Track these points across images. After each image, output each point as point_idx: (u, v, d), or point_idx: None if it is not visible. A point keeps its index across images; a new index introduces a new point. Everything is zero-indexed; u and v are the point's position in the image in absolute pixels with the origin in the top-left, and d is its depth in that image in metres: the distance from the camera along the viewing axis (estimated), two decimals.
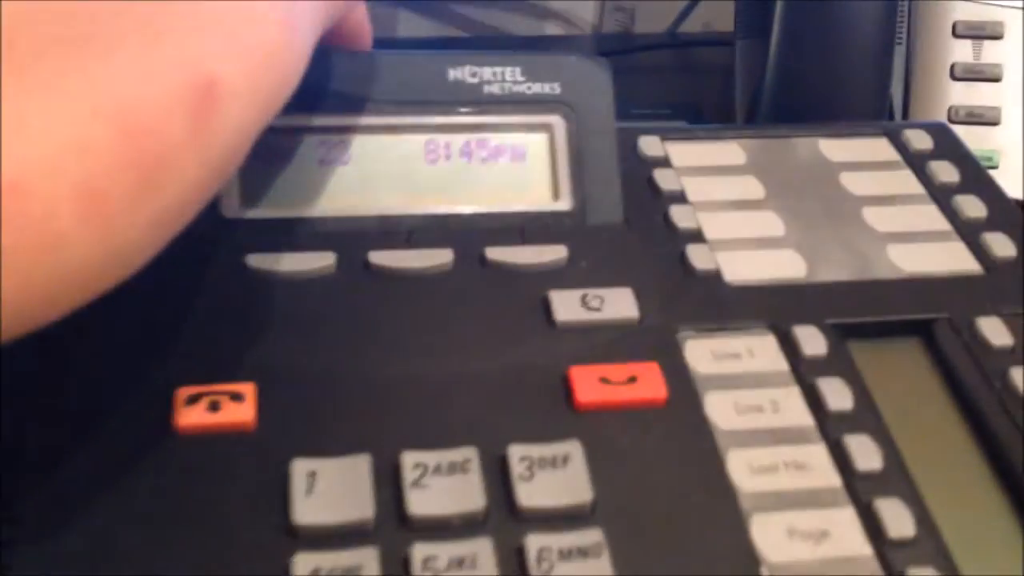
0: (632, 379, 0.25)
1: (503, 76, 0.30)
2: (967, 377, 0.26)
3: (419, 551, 0.21)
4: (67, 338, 0.24)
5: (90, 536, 0.21)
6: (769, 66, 0.44)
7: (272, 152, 0.29)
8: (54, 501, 0.21)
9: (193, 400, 0.23)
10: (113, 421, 0.23)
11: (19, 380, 0.23)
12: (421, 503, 0.22)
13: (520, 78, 0.30)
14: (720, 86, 0.59)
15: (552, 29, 0.74)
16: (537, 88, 0.30)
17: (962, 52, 0.49)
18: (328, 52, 0.29)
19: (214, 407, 0.23)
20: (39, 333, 0.22)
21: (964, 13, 0.49)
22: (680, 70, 0.70)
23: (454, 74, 0.30)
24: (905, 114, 0.49)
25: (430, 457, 0.23)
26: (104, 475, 0.22)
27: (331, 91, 0.29)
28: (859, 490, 0.23)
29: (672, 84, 0.67)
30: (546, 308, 0.27)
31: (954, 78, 0.48)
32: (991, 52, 0.48)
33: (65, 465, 0.22)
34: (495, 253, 0.28)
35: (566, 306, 0.27)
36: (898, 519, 0.23)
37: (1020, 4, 0.48)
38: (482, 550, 0.21)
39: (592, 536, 0.22)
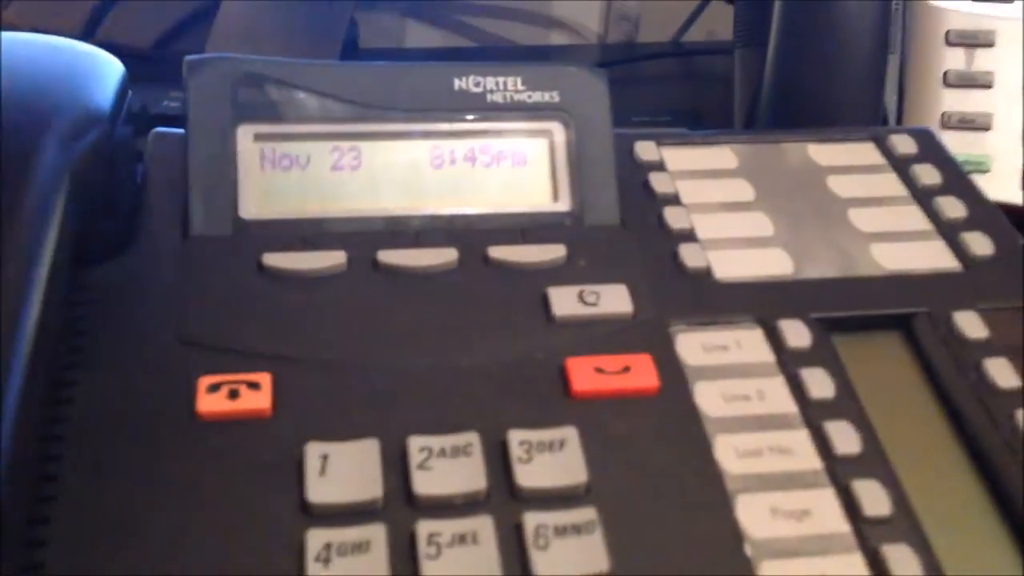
0: (626, 369, 0.27)
1: (505, 85, 0.32)
2: (944, 368, 0.28)
3: (424, 528, 0.22)
4: (98, 335, 0.26)
5: (120, 514, 0.23)
6: (767, 74, 0.45)
7: (287, 157, 0.30)
8: (89, 482, 0.23)
9: (214, 389, 0.25)
10: (141, 409, 0.25)
11: (56, 378, 0.25)
12: (426, 483, 0.23)
13: (521, 87, 0.32)
14: (721, 93, 0.61)
15: (557, 39, 0.76)
16: (537, 97, 0.32)
17: (954, 60, 0.50)
18: (341, 64, 0.31)
19: (233, 395, 0.25)
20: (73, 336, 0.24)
21: (957, 22, 0.50)
22: (683, 78, 0.71)
23: (459, 84, 0.32)
24: (899, 120, 0.50)
25: (435, 441, 0.24)
26: (133, 458, 0.24)
27: (342, 100, 0.31)
28: (838, 472, 0.25)
29: (675, 91, 0.68)
30: (545, 304, 0.28)
31: (947, 85, 0.50)
32: (983, 60, 0.50)
33: (98, 450, 0.24)
34: (497, 252, 0.29)
35: (564, 301, 0.28)
36: (875, 499, 0.24)
37: (1019, 15, 0.49)
38: (483, 527, 0.23)
39: (586, 514, 0.23)
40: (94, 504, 0.23)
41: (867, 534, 0.24)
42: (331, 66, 0.32)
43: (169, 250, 0.28)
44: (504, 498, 0.24)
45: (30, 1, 0.66)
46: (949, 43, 0.50)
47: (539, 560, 0.22)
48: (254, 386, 0.25)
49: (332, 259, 0.29)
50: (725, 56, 0.67)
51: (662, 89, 0.68)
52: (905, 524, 0.24)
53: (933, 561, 0.23)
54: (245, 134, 0.30)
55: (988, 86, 0.49)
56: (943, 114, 0.49)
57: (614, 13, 0.75)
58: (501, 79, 0.32)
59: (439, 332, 0.28)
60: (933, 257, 0.31)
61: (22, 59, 0.27)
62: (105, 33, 0.67)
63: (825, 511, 0.24)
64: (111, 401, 0.25)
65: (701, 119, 0.61)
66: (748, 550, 0.23)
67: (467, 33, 0.75)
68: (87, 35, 0.66)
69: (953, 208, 0.32)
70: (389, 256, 0.29)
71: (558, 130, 0.32)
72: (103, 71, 0.28)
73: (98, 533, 0.22)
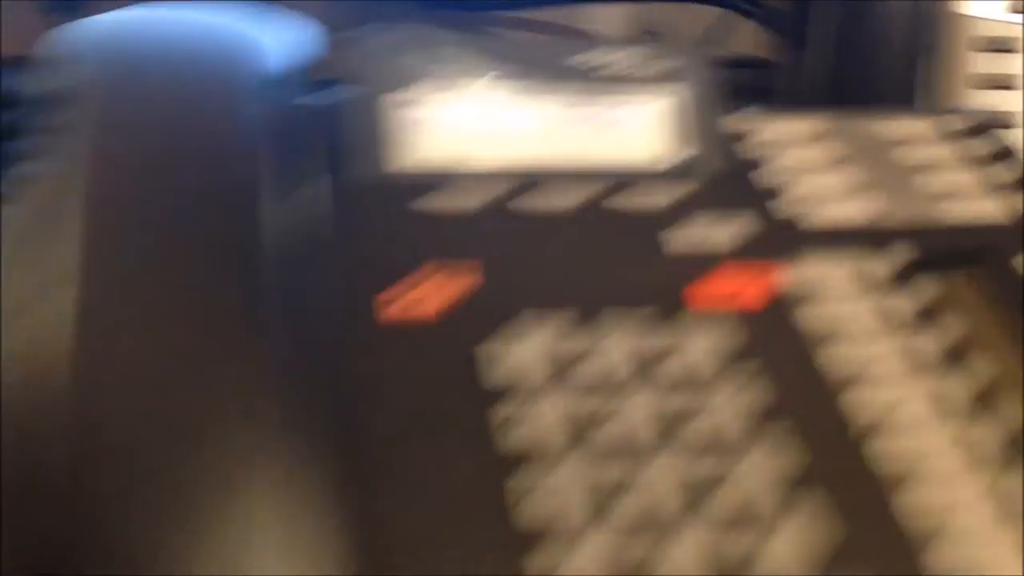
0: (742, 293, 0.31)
1: (624, 59, 0.36)
2: None
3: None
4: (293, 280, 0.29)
5: (324, 407, 0.26)
6: (806, 78, 0.49)
7: (424, 115, 0.34)
8: (294, 379, 0.26)
9: (391, 301, 0.28)
10: (329, 319, 0.28)
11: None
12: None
13: (637, 61, 0.36)
14: (745, 104, 0.64)
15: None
16: (651, 68, 0.36)
17: (980, 64, 0.54)
18: (476, 35, 0.35)
19: (410, 305, 0.28)
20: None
21: (982, 29, 0.54)
22: None
23: (583, 56, 0.36)
24: None
25: None
26: (328, 362, 0.27)
27: (473, 66, 0.35)
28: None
29: None
30: (667, 242, 0.32)
31: (972, 88, 0.54)
32: (1007, 64, 0.54)
33: (296, 352, 0.27)
34: (621, 199, 0.33)
35: (684, 241, 0.32)
36: None
37: None
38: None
39: None
40: (300, 399, 0.26)
41: None
42: (469, 37, 0.35)
43: (329, 195, 0.32)
44: None
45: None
46: (974, 48, 0.54)
47: None
48: (424, 300, 0.29)
49: (475, 200, 0.32)
50: (749, 70, 0.72)
51: None
52: None
53: None
54: (392, 95, 0.34)
55: (1012, 88, 0.53)
56: None
57: (638, 26, 0.79)
58: (621, 53, 0.36)
59: (577, 267, 0.31)
60: (1002, 210, 0.36)
61: (206, 24, 0.31)
62: None
63: None
64: (302, 312, 0.28)
65: None
66: None
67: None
68: None
69: (1010, 173, 0.37)
70: (525, 201, 0.33)
71: (669, 96, 0.36)
72: (278, 35, 0.32)
73: (305, 420, 0.25)
